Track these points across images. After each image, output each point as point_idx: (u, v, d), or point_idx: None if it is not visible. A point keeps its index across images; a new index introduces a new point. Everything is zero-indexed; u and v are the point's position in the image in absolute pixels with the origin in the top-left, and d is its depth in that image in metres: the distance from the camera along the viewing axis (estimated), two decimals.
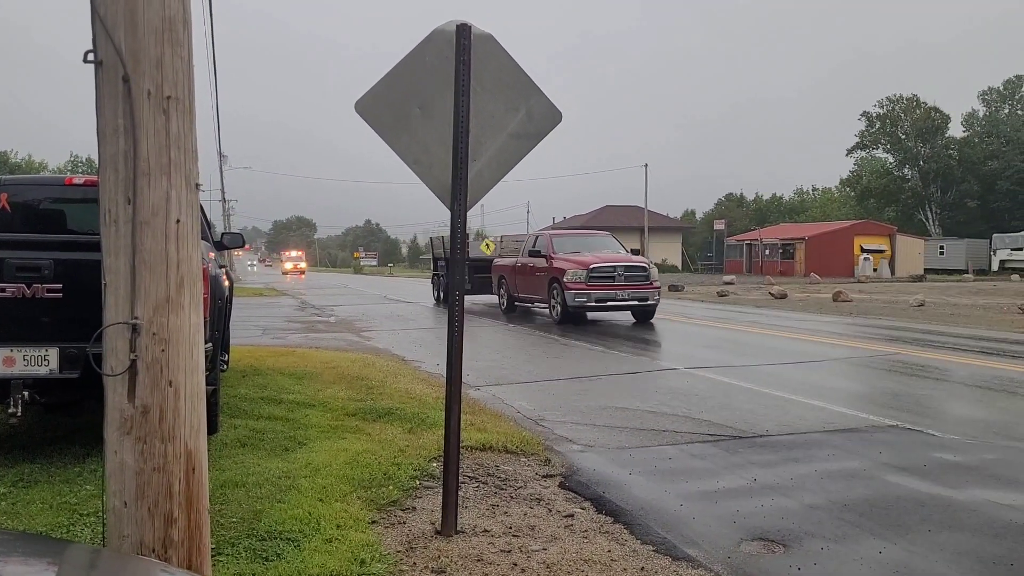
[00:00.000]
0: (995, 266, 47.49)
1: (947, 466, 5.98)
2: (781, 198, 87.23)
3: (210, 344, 5.80)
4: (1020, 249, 46.26)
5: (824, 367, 11.32)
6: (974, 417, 8.00)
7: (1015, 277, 41.71)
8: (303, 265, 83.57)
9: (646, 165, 59.25)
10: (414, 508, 4.86)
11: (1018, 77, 66.92)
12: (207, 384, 3.10)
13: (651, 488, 5.48)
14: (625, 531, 4.61)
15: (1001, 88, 67.33)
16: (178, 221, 2.75)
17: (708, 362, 11.46)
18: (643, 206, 61.64)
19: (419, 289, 36.16)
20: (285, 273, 76.02)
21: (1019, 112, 66.23)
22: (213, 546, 3.86)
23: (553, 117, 4.78)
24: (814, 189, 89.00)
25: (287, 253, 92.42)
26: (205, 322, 4.99)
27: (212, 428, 6.22)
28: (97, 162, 2.76)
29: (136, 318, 2.70)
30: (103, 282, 2.73)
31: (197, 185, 2.85)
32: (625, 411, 8.08)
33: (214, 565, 3.75)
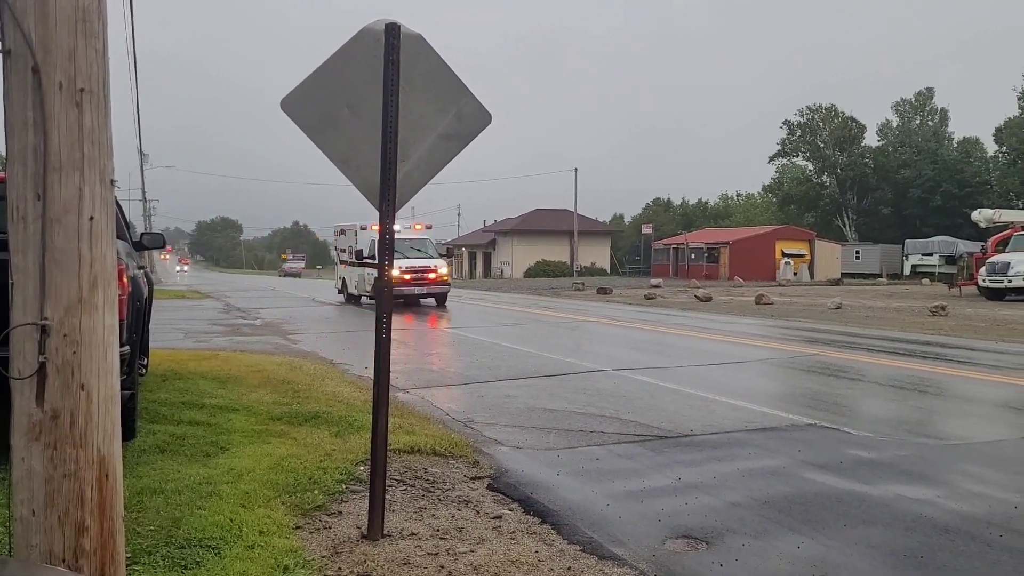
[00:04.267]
0: (907, 271, 49.36)
1: (861, 463, 6.19)
2: (707, 203, 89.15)
3: (127, 347, 5.62)
4: (930, 255, 48.16)
5: (747, 368, 11.59)
6: (887, 415, 8.30)
7: (925, 281, 43.46)
8: (440, 267, 24.69)
9: (576, 170, 59.95)
10: (340, 513, 4.79)
11: (928, 89, 69.87)
12: (124, 388, 3.00)
13: (579, 489, 5.52)
14: (552, 532, 4.63)
15: (913, 100, 70.13)
16: (91, 218, 2.65)
17: (635, 364, 11.62)
18: (573, 210, 62.23)
19: None
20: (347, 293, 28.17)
21: (929, 123, 69.07)
22: (129, 555, 3.73)
23: (482, 119, 4.78)
24: (738, 195, 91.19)
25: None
26: (122, 324, 4.83)
27: (130, 434, 6.02)
28: (5, 157, 2.65)
29: (46, 319, 2.59)
30: (10, 281, 2.62)
31: (112, 181, 2.76)
32: (553, 413, 8.13)
33: (130, 575, 3.62)
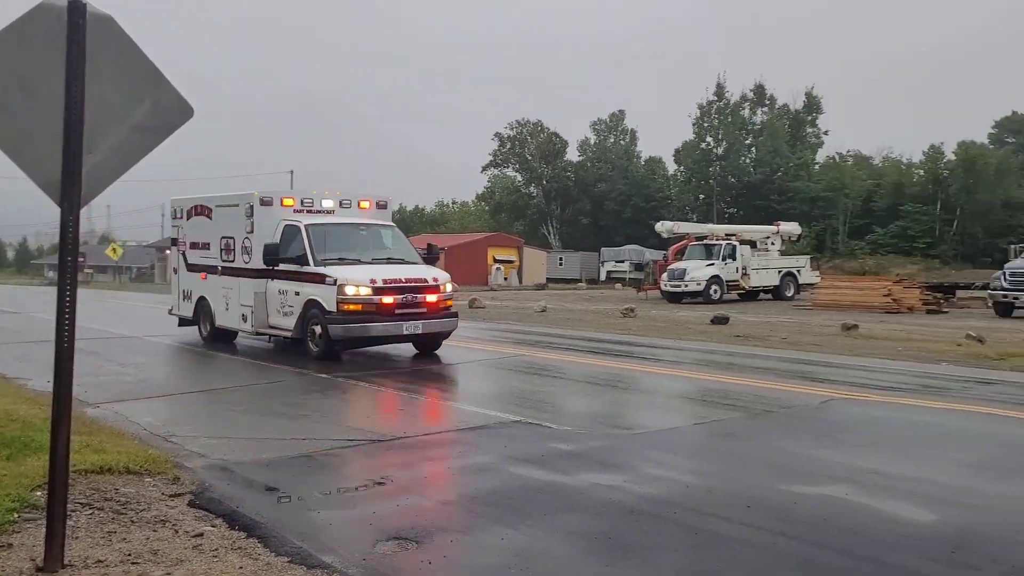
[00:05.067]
0: (603, 276, 54.00)
1: (561, 455, 6.64)
2: (424, 210, 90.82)
3: None
4: (622, 261, 53.18)
5: (460, 370, 11.98)
6: (584, 410, 9.00)
7: (618, 286, 47.81)
8: (440, 280, 12.91)
9: (292, 172, 58.22)
10: (11, 545, 4.24)
11: (621, 111, 76.83)
12: None
13: (288, 498, 5.37)
14: (259, 545, 4.45)
15: (608, 120, 76.73)
16: None
17: (351, 368, 11.54)
18: None
19: (32, 300, 31.85)
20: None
21: (621, 142, 75.98)
22: None
23: (183, 111, 4.48)
24: (454, 202, 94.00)
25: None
26: None
27: None
28: None
29: None
30: None
31: None
32: (264, 421, 7.83)
33: None
